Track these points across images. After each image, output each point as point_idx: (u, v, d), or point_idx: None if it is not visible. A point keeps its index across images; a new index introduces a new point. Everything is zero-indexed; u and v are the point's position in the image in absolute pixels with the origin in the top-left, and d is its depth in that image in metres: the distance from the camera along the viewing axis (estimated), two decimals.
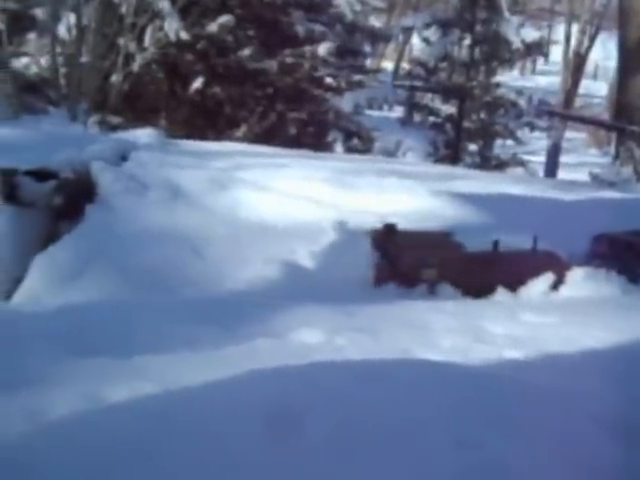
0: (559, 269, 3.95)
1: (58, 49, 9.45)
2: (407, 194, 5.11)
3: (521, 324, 3.20)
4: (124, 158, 5.24)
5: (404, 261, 3.93)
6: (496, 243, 4.02)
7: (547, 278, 3.83)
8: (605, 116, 17.39)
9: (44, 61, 10.26)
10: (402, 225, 4.47)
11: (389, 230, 4.04)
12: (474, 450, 1.92)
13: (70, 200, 4.29)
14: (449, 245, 4.07)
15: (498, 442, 1.97)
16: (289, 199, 4.74)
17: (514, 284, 3.84)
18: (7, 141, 5.84)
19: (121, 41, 8.81)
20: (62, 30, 9.44)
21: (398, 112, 13.51)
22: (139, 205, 4.42)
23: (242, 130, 9.01)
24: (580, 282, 3.81)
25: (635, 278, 3.97)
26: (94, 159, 4.83)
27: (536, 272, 3.90)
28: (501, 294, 3.77)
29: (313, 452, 1.84)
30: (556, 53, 17.26)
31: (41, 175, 4.30)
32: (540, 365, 2.72)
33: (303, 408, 1.98)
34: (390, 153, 10.31)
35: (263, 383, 2.09)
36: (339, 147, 10.26)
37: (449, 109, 12.13)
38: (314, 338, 2.78)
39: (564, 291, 3.76)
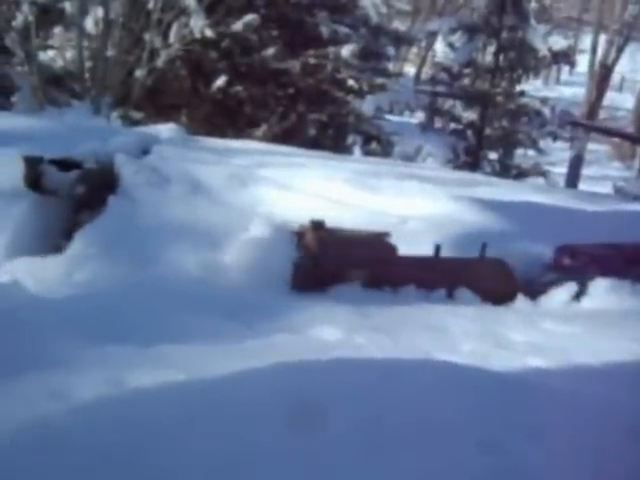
0: (504, 278, 3.83)
1: (84, 43, 9.53)
2: (427, 198, 5.08)
3: (541, 332, 3.18)
4: (146, 151, 5.26)
5: (326, 261, 3.66)
6: (437, 248, 3.85)
7: (568, 288, 3.77)
8: (630, 129, 17.20)
9: (70, 55, 10.36)
10: (422, 229, 4.46)
11: (316, 227, 3.77)
12: (496, 453, 1.91)
13: (92, 190, 4.32)
14: (383, 247, 3.81)
15: (520, 446, 1.95)
16: (309, 198, 4.73)
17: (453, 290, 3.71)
18: (32, 131, 5.89)
19: (147, 36, 8.86)
20: (89, 24, 9.52)
21: (419, 117, 13.44)
22: (160, 198, 4.43)
23: (262, 130, 9.03)
24: (602, 293, 3.76)
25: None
26: (117, 151, 4.86)
27: (478, 280, 3.76)
28: (521, 302, 3.74)
29: (332, 447, 1.83)
30: (582, 64, 17.07)
31: (65, 164, 4.33)
32: (561, 373, 2.69)
33: (323, 404, 1.97)
34: (410, 158, 10.26)
35: (284, 378, 2.09)
36: (357, 150, 10.24)
37: (470, 115, 12.06)
38: (333, 336, 2.78)
39: (586, 302, 3.71)
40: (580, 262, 4.05)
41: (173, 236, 3.77)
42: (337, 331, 2.83)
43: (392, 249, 3.84)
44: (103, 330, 2.48)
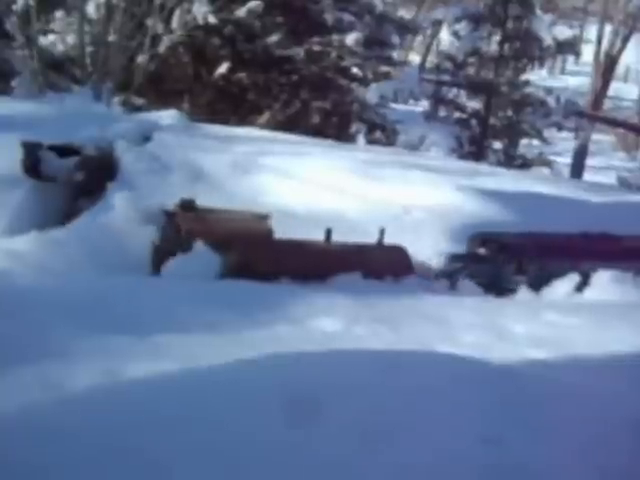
0: (401, 265, 3.69)
1: (86, 28, 9.44)
2: (431, 187, 5.03)
3: (544, 324, 3.13)
4: (147, 138, 5.21)
5: (190, 243, 3.39)
6: (328, 232, 3.64)
7: (571, 279, 3.73)
8: (635, 120, 17.05)
9: (70, 39, 10.27)
10: (426, 219, 4.41)
11: (186, 207, 3.54)
12: (498, 448, 1.87)
13: (91, 177, 4.27)
14: (258, 230, 3.59)
15: (522, 441, 1.92)
16: (312, 187, 4.69)
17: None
18: (31, 116, 5.83)
19: (149, 22, 8.77)
20: (91, 8, 9.42)
21: (423, 106, 13.34)
22: (161, 186, 4.39)
23: (265, 117, 8.96)
24: (605, 285, 3.72)
25: (496, 281, 3.74)
26: (117, 138, 4.81)
27: (372, 267, 3.61)
28: (523, 293, 3.70)
29: (331, 439, 1.80)
30: (587, 54, 16.92)
31: (64, 150, 4.29)
32: (564, 365, 2.66)
33: (322, 396, 1.94)
34: (414, 147, 10.19)
35: (283, 368, 2.06)
36: (361, 139, 10.16)
37: (475, 105, 11.96)
38: (334, 327, 2.74)
39: (589, 293, 3.66)
40: (491, 250, 3.95)
41: None
42: (337, 322, 2.79)
43: (267, 232, 3.59)
44: (99, 320, 2.45)
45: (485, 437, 1.90)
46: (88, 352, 2.08)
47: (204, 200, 4.34)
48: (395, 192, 4.84)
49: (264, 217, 3.69)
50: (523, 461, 1.86)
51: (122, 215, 3.77)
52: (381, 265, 3.65)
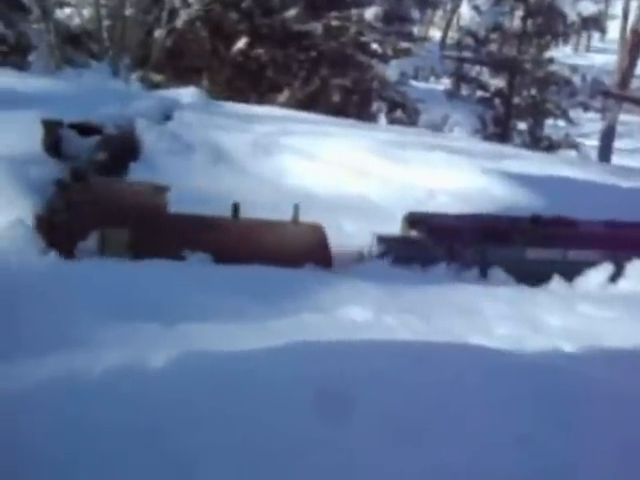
0: (317, 245, 3.41)
1: (102, 1, 9.32)
2: (456, 170, 4.92)
3: (578, 316, 3.06)
4: (167, 117, 5.13)
5: (76, 216, 3.14)
6: (236, 207, 3.39)
7: (605, 269, 3.62)
8: None
9: (87, 12, 10.15)
10: (452, 203, 4.32)
11: (76, 178, 3.31)
12: (531, 444, 1.82)
13: (113, 156, 4.20)
14: (151, 203, 3.30)
15: (558, 440, 1.86)
16: (335, 169, 4.60)
17: (256, 254, 3.20)
18: (50, 93, 5.77)
19: None
20: None
21: (445, 84, 13.07)
22: (183, 166, 4.32)
23: (285, 95, 8.82)
24: None
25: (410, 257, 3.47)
26: (138, 116, 4.73)
27: (284, 245, 3.37)
28: (556, 283, 3.60)
29: (360, 432, 1.76)
30: (613, 30, 16.48)
31: (85, 129, 4.21)
32: (598, 360, 2.59)
33: (354, 389, 1.89)
34: (436, 127, 10.01)
35: (312, 361, 2.00)
36: (382, 118, 10.00)
37: (498, 83, 11.70)
38: (363, 316, 2.69)
39: (623, 284, 3.57)
40: (420, 233, 3.67)
41: (197, 206, 3.65)
42: (366, 311, 2.73)
43: (161, 206, 3.32)
44: (123, 307, 2.40)
45: (517, 433, 1.85)
46: (114, 340, 2.05)
47: (226, 181, 4.29)
48: (419, 175, 4.74)
49: (162, 190, 3.41)
50: (557, 460, 1.81)
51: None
52: (295, 244, 3.41)
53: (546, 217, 3.86)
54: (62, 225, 3.13)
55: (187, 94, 6.27)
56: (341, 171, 4.62)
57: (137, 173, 4.13)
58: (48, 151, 4.11)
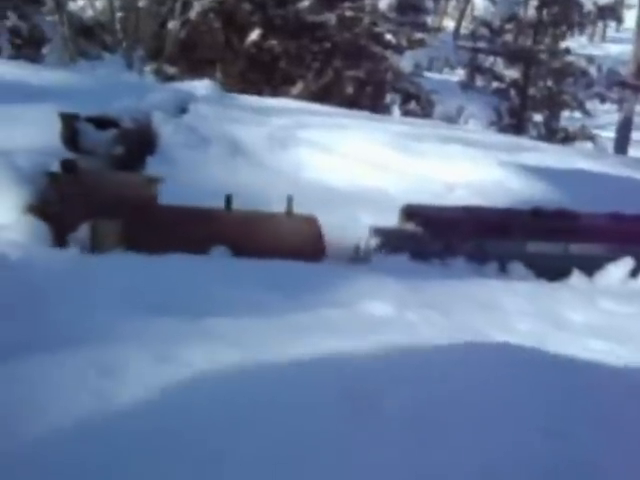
0: (311, 237, 3.36)
1: None
2: (473, 163, 4.89)
3: (600, 312, 3.03)
4: (183, 110, 5.13)
5: (65, 208, 3.11)
6: (229, 198, 3.34)
7: (625, 264, 3.58)
8: None
9: (99, 4, 10.15)
10: (470, 197, 4.29)
11: (67, 169, 3.25)
12: (558, 440, 1.80)
13: (130, 150, 4.20)
14: (140, 195, 3.25)
15: (587, 436, 1.84)
16: (352, 162, 4.58)
17: (248, 246, 3.16)
18: (65, 86, 5.79)
19: None
20: None
21: (459, 75, 12.94)
22: (200, 159, 4.32)
23: (298, 87, 8.79)
24: None
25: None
26: (154, 109, 4.73)
27: (279, 237, 3.31)
28: (576, 278, 3.57)
29: (387, 430, 1.75)
30: (629, 19, 16.25)
31: (102, 123, 4.21)
32: (623, 356, 2.56)
33: (377, 385, 1.89)
34: (451, 119, 9.92)
35: (338, 358, 1.99)
36: (396, 110, 9.94)
37: (513, 74, 11.56)
38: (384, 311, 2.67)
39: None
40: (417, 225, 3.55)
41: (215, 201, 3.65)
42: (387, 306, 2.72)
43: (151, 197, 3.26)
44: (148, 301, 2.41)
45: (544, 429, 1.84)
46: (141, 335, 2.05)
47: (244, 175, 4.28)
48: (436, 168, 4.71)
49: (152, 181, 3.37)
50: (587, 457, 1.80)
51: None
52: (289, 236, 3.36)
53: (548, 210, 3.76)
54: (53, 216, 3.10)
55: (202, 87, 6.27)
56: (358, 164, 4.60)
57: (154, 167, 4.13)
58: (66, 144, 4.13)
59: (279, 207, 3.52)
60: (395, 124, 6.29)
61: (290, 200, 3.41)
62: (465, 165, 4.82)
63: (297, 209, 3.64)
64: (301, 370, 1.91)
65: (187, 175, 4.10)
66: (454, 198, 4.26)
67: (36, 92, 5.35)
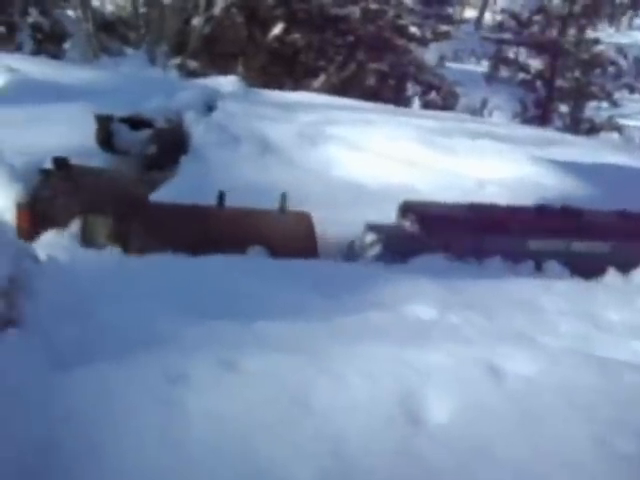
0: (303, 234, 3.32)
1: None
2: (503, 158, 4.86)
3: (638, 312, 3.01)
4: (210, 107, 5.16)
5: (54, 204, 3.11)
6: (221, 195, 3.32)
7: None
8: None
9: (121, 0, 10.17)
10: (502, 194, 4.27)
11: (60, 166, 3.24)
12: (608, 450, 1.81)
13: (163, 149, 4.24)
14: (132, 192, 3.26)
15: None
16: (382, 159, 4.58)
17: (240, 243, 3.15)
18: (93, 84, 5.83)
19: None
20: None
21: (483, 66, 12.77)
22: (231, 158, 4.35)
23: (320, 80, 8.76)
24: None
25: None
26: (184, 108, 4.76)
27: (272, 234, 3.29)
28: (611, 276, 3.55)
29: (438, 439, 1.77)
30: None
31: (136, 123, 4.25)
32: None
33: (427, 393, 1.90)
34: (475, 111, 9.83)
35: (398, 367, 2.00)
36: (417, 101, 9.87)
37: (538, 65, 11.36)
38: (427, 314, 2.68)
39: None
40: (413, 222, 3.44)
41: (249, 200, 3.67)
42: (430, 308, 2.73)
43: (141, 194, 3.27)
44: (197, 304, 2.44)
45: (594, 438, 1.84)
46: (200, 341, 2.07)
47: (276, 174, 4.29)
48: (467, 164, 4.69)
49: (143, 180, 3.46)
50: (634, 461, 1.81)
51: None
52: (281, 233, 3.34)
53: (550, 207, 3.66)
54: (44, 213, 3.11)
55: (227, 83, 6.30)
56: (387, 161, 4.60)
57: (188, 166, 4.17)
58: (101, 145, 4.18)
59: (311, 206, 3.53)
60: (421, 118, 6.26)
61: (284, 197, 3.39)
62: (495, 161, 4.80)
63: (328, 208, 3.64)
64: (366, 380, 1.90)
65: (220, 174, 4.13)
66: (485, 195, 4.24)
67: (66, 91, 5.40)
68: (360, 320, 2.48)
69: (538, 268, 3.52)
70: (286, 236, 3.35)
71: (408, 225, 3.49)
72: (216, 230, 3.28)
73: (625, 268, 3.48)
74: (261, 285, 2.80)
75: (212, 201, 3.48)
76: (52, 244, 2.99)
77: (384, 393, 1.84)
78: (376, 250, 3.40)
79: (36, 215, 3.09)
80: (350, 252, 3.47)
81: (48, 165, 3.31)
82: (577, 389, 1.99)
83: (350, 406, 1.78)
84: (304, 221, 3.40)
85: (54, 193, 3.18)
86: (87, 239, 3.13)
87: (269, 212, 3.42)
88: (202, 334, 2.07)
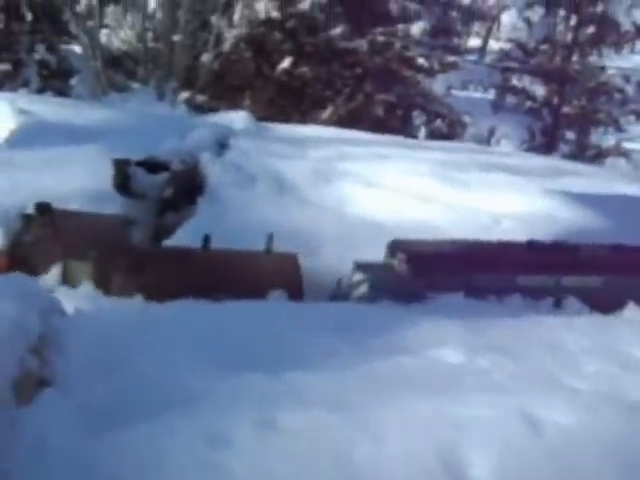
0: (291, 275, 3.30)
1: (147, 24, 9.49)
2: (517, 192, 4.88)
3: None
4: (223, 145, 5.22)
5: (37, 251, 3.13)
6: (206, 238, 3.31)
7: None
8: None
9: (125, 35, 10.30)
10: (518, 229, 4.27)
11: (42, 211, 3.26)
12: None
13: (180, 192, 4.28)
14: (113, 236, 3.28)
15: None
16: (397, 195, 4.60)
17: (226, 285, 3.10)
18: (106, 124, 5.90)
19: (213, 19, 8.74)
20: (151, 5, 9.45)
21: (489, 93, 12.84)
22: (247, 198, 4.37)
23: (328, 112, 8.85)
24: None
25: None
26: (197, 148, 4.82)
27: (258, 276, 3.26)
28: (630, 311, 3.54)
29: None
30: None
31: (152, 166, 4.31)
32: None
33: (467, 451, 1.89)
34: (482, 140, 9.88)
35: (437, 420, 1.99)
36: (422, 130, 9.94)
37: (545, 93, 11.42)
38: (456, 358, 2.66)
39: None
40: (400, 261, 3.39)
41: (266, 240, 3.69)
42: (456, 352, 2.71)
43: (123, 238, 3.29)
44: (228, 354, 2.43)
45: None
46: (236, 397, 2.06)
47: (292, 213, 4.32)
48: (482, 199, 4.71)
49: (123, 221, 3.43)
50: None
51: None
52: (266, 274, 3.32)
53: (542, 243, 3.63)
54: (25, 257, 3.13)
55: (238, 119, 6.36)
56: (402, 197, 4.62)
57: (204, 208, 4.20)
58: (118, 189, 4.22)
59: (329, 248, 3.53)
60: (433, 151, 6.30)
61: (270, 237, 3.38)
62: (508, 194, 4.81)
63: (346, 248, 3.65)
64: (405, 436, 1.89)
65: (236, 215, 4.15)
66: (501, 231, 4.25)
67: (78, 133, 5.46)
68: (389, 367, 2.47)
69: (557, 304, 3.51)
70: (271, 277, 3.31)
71: (396, 264, 3.46)
72: (200, 273, 3.24)
73: (618, 302, 3.46)
74: (285, 330, 2.80)
75: (230, 243, 3.49)
76: (74, 294, 3.00)
77: (424, 449, 1.83)
78: (363, 289, 3.36)
79: (16, 260, 3.10)
80: (337, 291, 3.44)
81: (30, 210, 3.33)
82: (614, 439, 1.98)
83: (392, 463, 1.77)
84: (290, 262, 3.36)
85: (35, 238, 3.20)
86: (67, 283, 3.12)
87: (254, 254, 3.40)
88: (237, 389, 2.06)
